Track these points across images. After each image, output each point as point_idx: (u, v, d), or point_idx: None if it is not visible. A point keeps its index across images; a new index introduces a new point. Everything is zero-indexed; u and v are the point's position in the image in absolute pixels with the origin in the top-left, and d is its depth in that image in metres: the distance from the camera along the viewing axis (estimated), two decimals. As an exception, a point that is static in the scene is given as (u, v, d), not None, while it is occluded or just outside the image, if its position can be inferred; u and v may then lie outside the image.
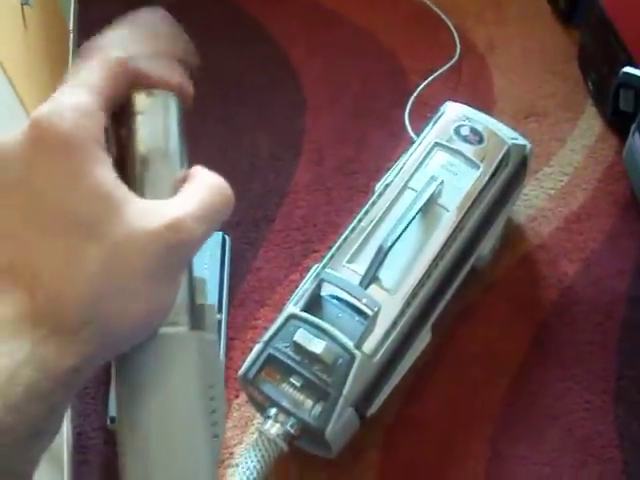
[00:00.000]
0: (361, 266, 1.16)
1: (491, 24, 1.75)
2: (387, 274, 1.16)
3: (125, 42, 0.43)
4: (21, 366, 0.34)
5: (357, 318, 1.13)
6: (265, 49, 1.76)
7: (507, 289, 1.37)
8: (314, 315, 1.13)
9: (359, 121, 1.62)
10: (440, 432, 1.25)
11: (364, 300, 1.12)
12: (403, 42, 1.73)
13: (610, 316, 1.33)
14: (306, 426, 1.09)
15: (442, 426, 1.26)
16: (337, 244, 1.22)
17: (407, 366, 1.20)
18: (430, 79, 1.63)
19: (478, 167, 1.27)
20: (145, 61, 0.43)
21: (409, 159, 1.29)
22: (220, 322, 1.33)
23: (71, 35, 1.75)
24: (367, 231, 1.21)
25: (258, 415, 1.23)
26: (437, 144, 1.30)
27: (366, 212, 1.24)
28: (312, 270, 1.23)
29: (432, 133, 1.32)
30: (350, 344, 1.10)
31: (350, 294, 1.13)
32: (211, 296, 1.34)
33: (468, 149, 1.28)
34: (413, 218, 1.18)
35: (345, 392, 1.08)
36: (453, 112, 1.35)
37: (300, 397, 1.09)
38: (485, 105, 1.49)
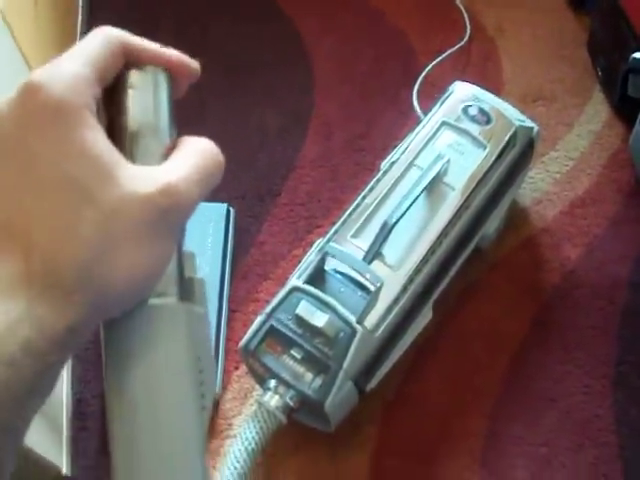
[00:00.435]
0: (365, 242, 1.16)
1: (501, 7, 1.74)
2: (391, 250, 1.17)
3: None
4: (16, 324, 0.34)
5: (360, 293, 1.14)
6: (276, 26, 1.75)
7: (510, 270, 1.38)
8: (317, 288, 1.13)
9: (367, 100, 1.61)
10: (439, 409, 1.25)
11: (367, 275, 1.12)
12: (413, 23, 1.73)
13: (612, 301, 1.34)
14: (305, 399, 1.09)
15: (441, 403, 1.26)
16: (342, 219, 1.22)
17: (408, 342, 1.21)
18: (439, 60, 1.62)
19: (485, 147, 1.26)
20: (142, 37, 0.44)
21: (416, 137, 1.29)
22: (222, 293, 1.33)
23: (80, 10, 1.75)
24: (372, 207, 1.21)
25: (257, 387, 1.23)
26: (444, 123, 1.29)
27: (372, 189, 1.24)
28: (316, 244, 1.23)
29: (440, 112, 1.32)
30: (352, 318, 1.10)
31: (353, 269, 1.13)
32: (214, 267, 1.34)
33: (475, 129, 1.28)
34: (418, 196, 1.18)
35: (345, 366, 1.09)
36: (462, 92, 1.34)
37: (300, 369, 1.10)
38: (493, 88, 1.49)
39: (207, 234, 1.37)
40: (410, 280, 1.16)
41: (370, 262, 1.14)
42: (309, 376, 1.09)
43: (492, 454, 1.21)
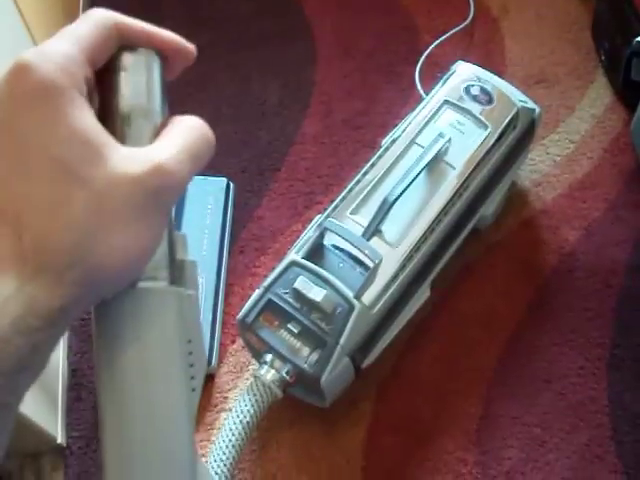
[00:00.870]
0: (364, 218, 1.16)
1: (506, -13, 1.74)
2: (390, 227, 1.16)
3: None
4: (8, 301, 0.35)
5: (358, 269, 1.14)
6: (280, 1, 1.74)
7: (508, 251, 1.38)
8: (315, 264, 1.13)
9: (369, 76, 1.61)
10: (434, 388, 1.26)
11: (366, 251, 1.12)
12: (418, 0, 1.72)
13: (609, 285, 1.34)
14: (302, 373, 1.10)
15: (436, 382, 1.26)
16: (342, 195, 1.21)
17: (405, 320, 1.21)
18: (442, 39, 1.61)
19: (486, 127, 1.26)
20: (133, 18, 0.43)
21: (418, 115, 1.29)
22: (220, 267, 1.33)
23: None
24: (372, 184, 1.21)
25: (254, 361, 1.24)
26: (446, 102, 1.29)
27: (372, 165, 1.24)
28: (315, 220, 1.23)
29: (442, 91, 1.31)
30: (350, 294, 1.11)
31: (352, 244, 1.13)
32: (212, 241, 1.34)
33: (477, 109, 1.28)
34: (419, 174, 1.17)
35: (342, 341, 1.09)
36: (464, 71, 1.34)
37: (297, 344, 1.10)
38: (496, 69, 1.48)
39: (206, 208, 1.37)
40: (409, 257, 1.16)
41: (369, 238, 1.14)
42: (306, 351, 1.09)
43: (486, 434, 1.21)
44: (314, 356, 1.09)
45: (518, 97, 1.32)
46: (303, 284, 1.11)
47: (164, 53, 0.44)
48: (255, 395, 1.09)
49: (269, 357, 1.11)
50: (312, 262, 1.13)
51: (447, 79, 1.33)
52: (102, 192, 0.37)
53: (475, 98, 1.29)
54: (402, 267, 1.16)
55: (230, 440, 1.06)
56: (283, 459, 1.21)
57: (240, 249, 1.39)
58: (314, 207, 1.42)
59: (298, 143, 1.52)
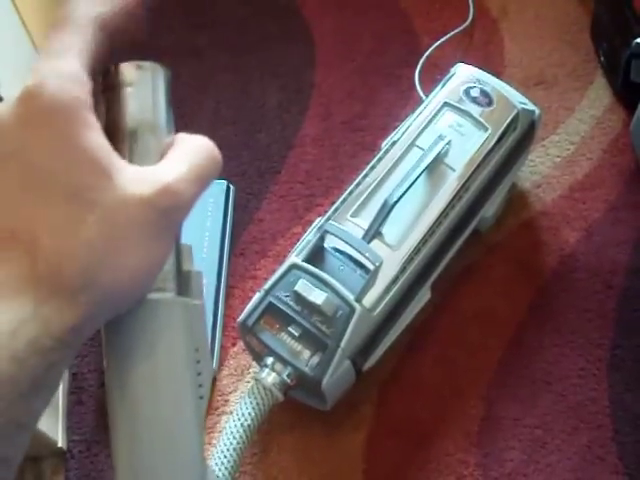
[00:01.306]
0: (365, 220, 1.16)
1: (505, -11, 1.74)
2: (390, 230, 1.16)
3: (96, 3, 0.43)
4: (24, 322, 0.35)
5: (358, 272, 1.14)
6: (279, 3, 1.74)
7: (508, 253, 1.37)
8: (316, 266, 1.13)
9: (369, 78, 1.61)
10: (434, 390, 1.26)
11: (366, 254, 1.12)
12: (417, 2, 1.72)
13: (609, 286, 1.34)
14: (302, 376, 1.10)
15: (437, 384, 1.26)
16: (342, 197, 1.21)
17: (405, 322, 1.21)
18: (441, 41, 1.61)
19: (486, 129, 1.26)
20: (121, 17, 0.43)
21: (417, 117, 1.29)
22: (221, 270, 1.33)
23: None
24: (372, 186, 1.21)
25: (254, 364, 1.24)
26: (446, 104, 1.29)
27: (372, 168, 1.24)
28: (315, 222, 1.23)
29: (442, 93, 1.31)
30: (350, 297, 1.11)
31: (353, 247, 1.13)
32: (213, 244, 1.34)
33: (477, 111, 1.28)
34: (419, 176, 1.17)
35: (343, 344, 1.09)
36: (464, 73, 1.34)
37: (298, 347, 1.10)
38: (495, 70, 1.48)
39: (206, 211, 1.37)
40: (409, 260, 1.16)
41: (370, 241, 1.14)
42: (306, 353, 1.09)
43: (487, 436, 1.21)
44: (315, 359, 1.09)
45: (518, 99, 1.32)
46: (304, 287, 1.11)
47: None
48: (256, 398, 1.09)
49: (270, 360, 1.10)
50: (313, 265, 1.13)
51: (447, 81, 1.33)
52: (113, 214, 0.37)
53: (475, 100, 1.29)
54: (403, 269, 1.16)
55: (231, 443, 1.06)
56: (284, 462, 1.21)
57: (240, 252, 1.39)
58: (314, 210, 1.42)
59: (298, 145, 1.51)
